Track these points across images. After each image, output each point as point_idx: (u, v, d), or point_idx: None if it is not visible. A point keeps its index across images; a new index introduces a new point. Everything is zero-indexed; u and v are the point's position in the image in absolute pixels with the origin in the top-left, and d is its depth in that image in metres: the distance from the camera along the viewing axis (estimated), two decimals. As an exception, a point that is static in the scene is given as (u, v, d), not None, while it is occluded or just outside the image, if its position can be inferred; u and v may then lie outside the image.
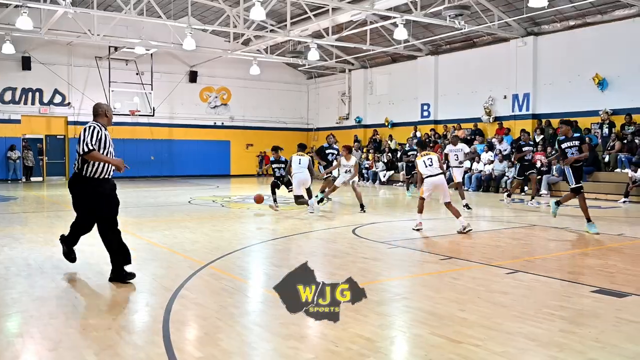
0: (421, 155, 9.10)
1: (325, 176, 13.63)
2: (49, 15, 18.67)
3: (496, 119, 20.69)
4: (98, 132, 5.40)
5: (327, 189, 12.83)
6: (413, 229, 9.18)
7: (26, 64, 22.76)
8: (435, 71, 22.94)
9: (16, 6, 16.73)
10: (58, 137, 24.54)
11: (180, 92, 26.42)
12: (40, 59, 23.05)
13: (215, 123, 27.53)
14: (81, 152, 5.31)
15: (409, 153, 17.53)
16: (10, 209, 13.17)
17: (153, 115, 25.45)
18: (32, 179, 23.70)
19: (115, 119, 24.56)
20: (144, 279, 5.74)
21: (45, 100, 23.78)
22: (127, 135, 24.61)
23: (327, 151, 14.28)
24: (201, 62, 26.10)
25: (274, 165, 12.48)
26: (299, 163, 11.64)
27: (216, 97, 27.72)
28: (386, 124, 25.40)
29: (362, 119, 26.78)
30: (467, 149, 13.80)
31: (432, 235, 8.89)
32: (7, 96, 23.02)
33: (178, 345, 3.79)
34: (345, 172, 12.11)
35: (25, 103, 23.42)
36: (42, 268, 6.30)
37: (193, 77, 26.76)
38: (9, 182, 22.50)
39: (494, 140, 19.93)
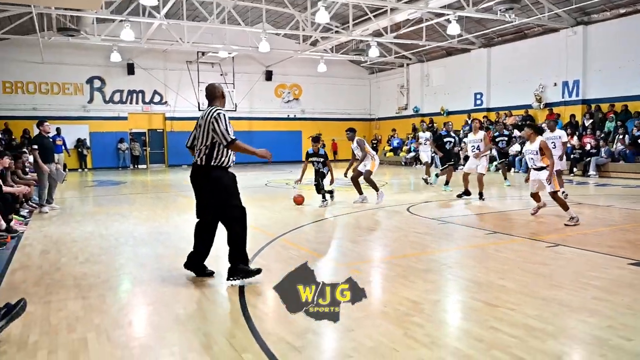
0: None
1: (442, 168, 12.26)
2: (147, 27, 19.55)
3: (546, 105, 19.73)
4: (228, 118, 4.59)
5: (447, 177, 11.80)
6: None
7: (130, 69, 23.93)
8: (487, 62, 22.13)
9: (120, 21, 17.70)
10: (158, 130, 25.65)
11: (258, 89, 26.90)
12: (141, 64, 24.17)
13: (288, 116, 27.89)
14: (225, 143, 4.53)
15: (446, 139, 12.84)
16: (120, 191, 14.05)
17: (235, 110, 26.08)
18: (139, 166, 24.93)
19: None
20: (226, 248, 6.03)
21: (147, 99, 24.90)
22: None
23: (445, 139, 12.31)
24: (275, 62, 26.45)
25: (311, 159, 9.74)
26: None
27: (289, 92, 28.05)
28: (442, 112, 24.83)
29: (420, 108, 26.30)
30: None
31: (482, 212, 8.72)
32: (116, 97, 24.32)
33: (251, 301, 4.00)
34: (472, 149, 10.09)
35: (131, 102, 24.60)
36: (144, 240, 6.74)
37: (269, 75, 27.18)
38: (120, 169, 23.79)
39: (543, 125, 19.01)
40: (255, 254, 5.59)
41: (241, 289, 4.28)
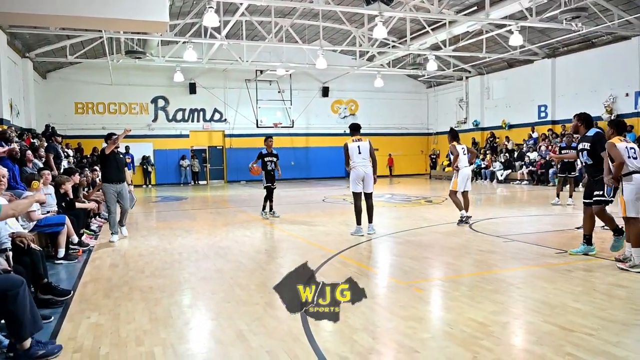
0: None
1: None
2: (208, 47, 20.29)
3: (618, 116, 18.72)
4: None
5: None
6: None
7: (192, 89, 24.84)
8: (552, 73, 21.32)
9: (184, 42, 18.49)
10: (217, 147, 26.40)
11: (315, 105, 27.21)
12: (202, 84, 25.06)
13: (345, 131, 27.67)
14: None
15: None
16: (182, 207, 14.52)
17: (292, 127, 26.51)
18: (199, 182, 25.66)
19: (261, 131, 25.22)
20: (286, 264, 6.07)
21: (207, 117, 25.72)
22: (274, 145, 25.84)
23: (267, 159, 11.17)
24: (332, 79, 26.69)
25: (266, 159, 10.84)
26: (359, 152, 7.95)
27: (345, 108, 28.16)
28: (503, 126, 24.11)
29: (480, 122, 25.67)
30: None
31: (549, 230, 8.33)
32: (179, 116, 25.30)
33: (313, 320, 3.98)
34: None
35: (192, 121, 25.51)
36: (206, 254, 6.91)
37: (325, 92, 27.43)
38: (181, 185, 24.65)
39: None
40: (315, 271, 5.59)
41: (302, 306, 4.29)
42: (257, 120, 25.69)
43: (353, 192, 8.01)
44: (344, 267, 5.84)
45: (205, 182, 26.16)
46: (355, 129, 8.15)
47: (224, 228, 9.52)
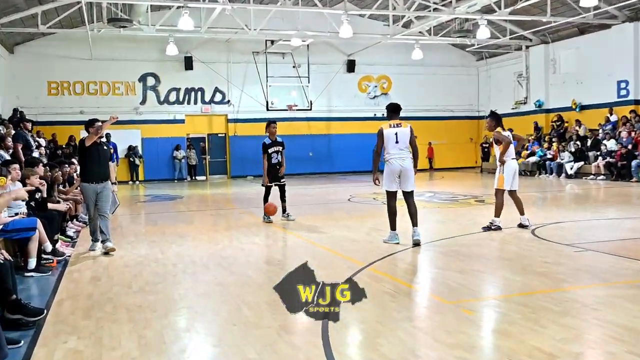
0: None
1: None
2: (208, 13, 20.39)
3: None
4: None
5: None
6: None
7: (188, 63, 25.01)
8: (635, 40, 20.88)
9: (178, 7, 18.58)
10: (219, 135, 26.64)
11: (338, 83, 27.18)
12: (200, 58, 25.19)
13: (375, 115, 27.81)
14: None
15: None
16: (177, 207, 14.65)
17: (310, 109, 26.53)
18: (197, 177, 25.96)
19: (272, 114, 25.30)
20: (303, 279, 6.08)
21: (207, 98, 25.92)
22: (284, 131, 25.82)
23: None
24: (359, 50, 26.61)
25: (270, 150, 10.84)
26: (396, 140, 7.78)
27: (375, 86, 28.08)
28: (573, 107, 23.73)
29: (543, 102, 25.32)
30: None
31: (632, 237, 8.17)
32: (172, 97, 25.52)
33: (337, 347, 3.96)
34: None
35: (189, 103, 25.72)
36: (206, 265, 6.96)
37: (351, 66, 27.38)
38: (175, 181, 24.90)
39: None
40: (339, 287, 5.58)
41: (324, 329, 4.27)
42: (267, 102, 25.80)
43: (387, 191, 7.93)
44: (375, 283, 5.81)
45: (204, 177, 26.42)
46: (394, 110, 8.00)
47: (227, 233, 9.57)
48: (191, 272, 6.63)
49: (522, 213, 9.07)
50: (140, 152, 24.83)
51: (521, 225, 8.97)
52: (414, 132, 7.91)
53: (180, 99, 25.60)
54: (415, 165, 7.86)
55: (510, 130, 10.76)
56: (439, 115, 28.50)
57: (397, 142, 7.75)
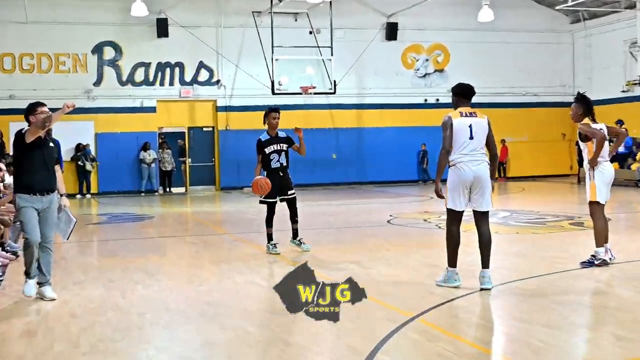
0: None
1: None
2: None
3: None
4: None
5: None
6: None
7: (162, 29, 25.07)
8: None
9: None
10: (205, 129, 26.80)
11: (373, 55, 27.17)
12: (179, 20, 25.30)
13: (426, 100, 27.79)
14: None
15: None
16: (145, 232, 14.66)
17: (334, 93, 26.40)
18: (172, 189, 26.07)
19: (280, 100, 25.48)
20: (324, 336, 5.98)
21: (188, 77, 26.09)
22: (298, 122, 25.84)
23: None
24: (403, 9, 26.57)
25: (267, 150, 10.67)
26: (470, 136, 7.59)
27: (426, 60, 28.01)
28: None
29: (668, 83, 25.10)
30: None
31: None
32: (139, 75, 25.70)
33: None
34: None
35: (162, 84, 25.92)
36: (186, 314, 6.89)
37: (391, 32, 27.34)
38: (143, 194, 25.06)
39: None
40: (376, 347, 5.50)
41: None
42: (272, 83, 25.78)
43: (449, 210, 7.78)
44: (427, 341, 5.73)
45: (182, 189, 26.55)
46: (465, 93, 7.76)
47: (215, 269, 9.53)
48: (164, 324, 6.58)
49: (606, 239, 8.89)
50: (92, 153, 24.97)
51: (593, 259, 8.76)
52: (491, 127, 7.75)
53: (150, 78, 25.77)
54: (493, 174, 7.72)
55: (621, 123, 10.59)
56: (516, 102, 28.34)
57: (471, 138, 7.55)
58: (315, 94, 26.29)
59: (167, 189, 25.91)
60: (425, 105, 27.71)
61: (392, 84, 27.47)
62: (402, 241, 12.08)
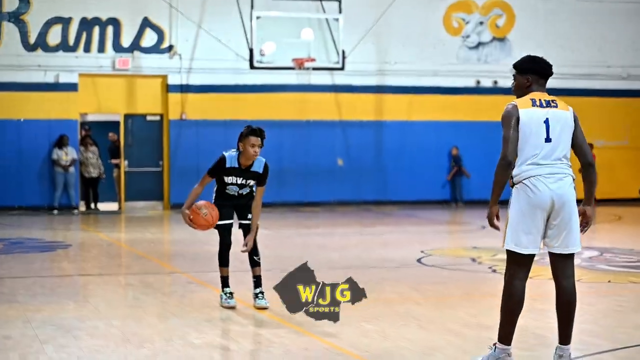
0: None
1: None
2: None
3: None
4: None
5: None
6: None
7: (89, -32, 25.37)
8: None
9: None
10: (148, 118, 26.89)
11: (401, 15, 27.34)
12: (116, -45, 25.57)
13: (479, 82, 27.88)
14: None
15: None
16: (58, 267, 14.61)
17: (342, 69, 26.47)
18: (100, 205, 26.26)
19: (260, 77, 25.65)
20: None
21: (125, 41, 26.25)
22: (289, 112, 25.98)
23: None
24: (446, -53, 26.80)
25: (227, 179, 10.67)
26: (547, 137, 7.15)
27: (480, 24, 28.12)
28: None
29: None
30: None
31: None
32: (53, 37, 25.77)
33: None
34: None
35: (87, 50, 26.04)
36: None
37: (429, -20, 27.56)
38: (56, 211, 25.05)
39: None
40: None
41: None
42: (251, 52, 25.79)
43: (510, 253, 7.56)
44: None
45: (115, 205, 26.52)
46: (540, 70, 7.56)
47: (161, 325, 9.51)
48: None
49: None
50: (-16, 150, 25.04)
51: None
52: (579, 123, 7.50)
53: (71, 41, 25.88)
54: (588, 196, 7.41)
55: None
56: (612, 88, 28.41)
57: (548, 139, 7.31)
58: (314, 69, 26.37)
59: (92, 205, 25.93)
60: (477, 90, 27.82)
61: (428, 57, 27.63)
62: (439, 290, 12.06)
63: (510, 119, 7.05)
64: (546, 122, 7.06)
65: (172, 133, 26.43)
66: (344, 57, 26.28)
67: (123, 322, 9.71)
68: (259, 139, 10.20)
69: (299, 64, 25.98)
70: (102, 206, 26.05)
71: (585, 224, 7.16)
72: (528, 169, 7.05)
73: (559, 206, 7.06)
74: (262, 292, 10.52)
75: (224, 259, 10.58)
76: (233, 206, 10.63)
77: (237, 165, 10.41)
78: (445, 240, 17.70)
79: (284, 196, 24.01)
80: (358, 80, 26.89)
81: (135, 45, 26.17)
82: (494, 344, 7.21)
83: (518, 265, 7.18)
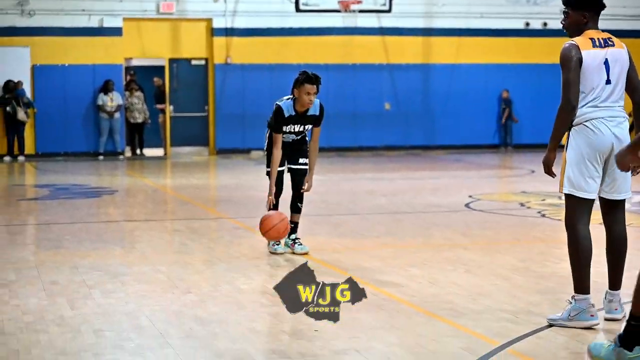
0: None
1: None
2: None
3: None
4: None
5: None
6: None
7: None
8: None
9: None
10: (194, 63, 26.91)
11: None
12: None
13: (528, 24, 27.64)
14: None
15: None
16: (104, 213, 14.73)
17: (389, 11, 26.33)
18: (145, 150, 26.47)
19: (308, 19, 25.50)
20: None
21: (169, -16, 26.19)
22: (335, 56, 25.85)
23: None
24: None
25: (286, 128, 10.34)
26: (607, 79, 7.01)
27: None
28: None
29: None
30: None
31: None
32: (96, -19, 25.82)
33: None
34: None
35: (130, -5, 26.13)
36: (166, 335, 6.87)
37: None
38: (102, 157, 25.31)
39: None
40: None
41: None
42: (296, -5, 25.73)
43: (570, 197, 7.33)
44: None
45: (161, 150, 26.67)
46: (598, 5, 7.30)
47: (208, 270, 9.60)
48: (133, 349, 6.55)
49: None
50: (28, 95, 25.20)
51: None
52: (633, 61, 7.22)
53: (114, -15, 25.83)
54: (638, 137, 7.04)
55: None
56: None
57: (608, 81, 7.01)
58: (360, 11, 26.25)
59: (138, 151, 26.06)
60: (526, 32, 27.61)
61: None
62: (488, 235, 12.03)
63: (572, 60, 6.78)
64: (606, 63, 6.83)
65: (217, 77, 26.43)
66: (390, 1, 26.13)
67: (170, 267, 9.75)
68: (315, 86, 9.99)
69: (345, 6, 25.85)
70: (148, 152, 26.11)
71: (637, 166, 6.57)
72: (589, 112, 6.85)
73: (617, 150, 6.63)
74: (298, 239, 10.46)
75: (274, 206, 10.33)
76: (285, 152, 10.37)
77: (293, 113, 10.19)
78: (494, 185, 17.62)
79: (332, 141, 23.79)
80: (405, 23, 26.71)
81: (180, -10, 26.14)
82: (572, 297, 6.99)
83: (580, 210, 7.02)
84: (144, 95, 26.10)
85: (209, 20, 26.27)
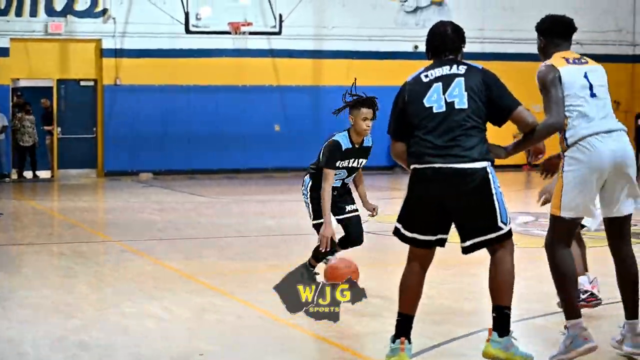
0: None
1: None
2: None
3: None
4: None
5: None
6: None
7: None
8: None
9: None
10: (83, 84, 26.66)
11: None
12: None
13: (417, 47, 27.94)
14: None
15: None
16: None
17: (279, 33, 26.45)
18: (35, 173, 25.86)
19: (198, 42, 25.45)
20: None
21: (58, 5, 25.92)
22: (225, 77, 25.82)
23: None
24: None
25: (340, 164, 9.33)
26: (591, 92, 6.93)
27: (420, -13, 28.22)
28: None
29: None
30: None
31: None
32: (-16, 1, 25.51)
33: None
34: None
35: (19, 14, 25.72)
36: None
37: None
38: (-12, 180, 24.89)
39: None
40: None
41: None
42: (186, 16, 25.67)
43: (560, 220, 6.99)
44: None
45: (48, 172, 26.35)
46: (562, 31, 7.18)
47: (94, 295, 9.53)
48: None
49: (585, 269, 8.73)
50: None
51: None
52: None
53: (2, 4, 25.52)
54: None
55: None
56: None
57: (593, 94, 6.96)
58: (251, 33, 26.33)
59: (31, 174, 25.67)
60: (415, 55, 27.81)
61: (366, 21, 27.60)
62: (377, 257, 12.22)
63: (552, 79, 6.65)
64: (586, 76, 6.75)
65: (107, 99, 26.25)
66: (281, 22, 26.29)
67: (55, 292, 9.67)
68: (372, 110, 9.13)
69: (236, 29, 25.93)
70: (38, 174, 25.75)
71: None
72: (580, 129, 6.59)
73: (620, 167, 6.77)
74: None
75: (322, 256, 9.35)
76: (332, 200, 9.22)
77: (350, 146, 9.22)
78: (386, 206, 17.82)
79: (221, 163, 23.94)
80: (295, 45, 26.85)
81: (69, 9, 25.90)
82: (564, 326, 6.70)
83: (569, 232, 6.83)
84: (31, 117, 25.80)
85: (98, 41, 26.13)
